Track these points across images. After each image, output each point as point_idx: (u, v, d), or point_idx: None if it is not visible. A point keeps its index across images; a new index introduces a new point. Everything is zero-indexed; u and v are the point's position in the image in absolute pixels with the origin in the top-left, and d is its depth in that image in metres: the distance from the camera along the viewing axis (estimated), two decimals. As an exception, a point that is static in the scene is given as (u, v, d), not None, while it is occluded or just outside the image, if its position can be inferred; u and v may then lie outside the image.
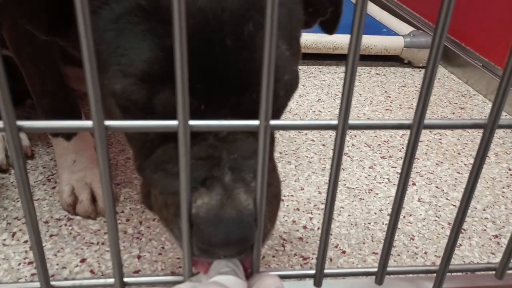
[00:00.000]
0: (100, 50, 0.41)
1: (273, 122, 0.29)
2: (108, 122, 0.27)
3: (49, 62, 0.68)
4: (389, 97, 1.27)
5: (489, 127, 0.32)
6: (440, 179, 0.92)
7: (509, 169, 0.98)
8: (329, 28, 0.59)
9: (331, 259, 0.70)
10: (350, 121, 0.30)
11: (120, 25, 0.39)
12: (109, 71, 0.40)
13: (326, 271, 0.36)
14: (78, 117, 0.75)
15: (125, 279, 0.32)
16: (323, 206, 0.81)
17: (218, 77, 0.39)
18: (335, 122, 0.30)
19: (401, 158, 0.98)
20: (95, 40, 0.41)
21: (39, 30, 0.46)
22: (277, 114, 0.47)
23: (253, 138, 0.42)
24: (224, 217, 0.36)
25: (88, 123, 0.27)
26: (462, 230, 0.77)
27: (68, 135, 0.74)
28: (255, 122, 0.29)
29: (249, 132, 0.42)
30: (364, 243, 0.73)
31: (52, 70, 0.69)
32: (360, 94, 1.26)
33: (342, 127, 0.30)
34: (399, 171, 0.92)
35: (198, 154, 0.40)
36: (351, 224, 0.77)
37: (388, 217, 0.79)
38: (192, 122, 0.28)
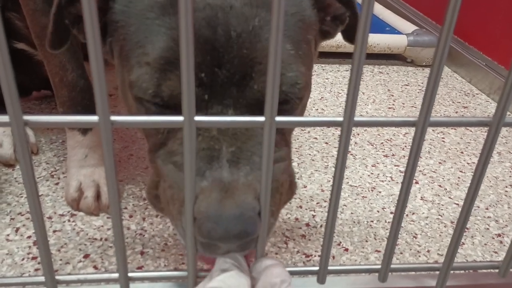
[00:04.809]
0: (124, 46, 0.45)
1: (278, 118, 0.29)
2: (113, 117, 0.27)
3: (70, 54, 0.69)
4: (392, 95, 1.27)
5: (495, 125, 0.31)
6: (443, 178, 0.92)
7: (512, 168, 0.98)
8: (352, 35, 0.57)
9: (333, 257, 0.70)
10: (355, 118, 0.30)
11: (140, 21, 0.43)
12: (129, 64, 0.44)
13: (329, 268, 0.36)
14: (95, 111, 0.75)
15: (129, 274, 0.32)
16: (325, 204, 0.81)
17: (222, 67, 0.41)
18: (341, 118, 0.30)
19: (404, 156, 0.98)
20: (121, 36, 0.45)
21: (82, 35, 0.50)
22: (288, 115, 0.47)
23: (258, 129, 0.42)
24: (224, 211, 0.37)
25: (94, 118, 0.27)
26: (465, 229, 0.77)
27: (84, 129, 0.74)
28: (261, 118, 0.29)
29: (255, 128, 0.43)
30: (366, 241, 0.73)
31: (73, 62, 0.70)
32: (363, 93, 1.26)
33: (347, 124, 0.30)
34: (402, 169, 0.92)
35: (199, 145, 0.41)
36: (354, 222, 0.77)
37: (390, 215, 0.79)
38: (197, 118, 0.28)
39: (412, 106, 1.21)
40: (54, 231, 0.69)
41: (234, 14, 0.41)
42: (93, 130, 0.75)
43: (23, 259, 0.64)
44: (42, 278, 0.32)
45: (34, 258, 0.65)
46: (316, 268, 0.36)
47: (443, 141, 1.06)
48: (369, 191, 0.86)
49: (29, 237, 0.68)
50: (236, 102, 0.42)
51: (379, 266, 0.37)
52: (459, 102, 1.27)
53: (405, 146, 1.02)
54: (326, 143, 1.00)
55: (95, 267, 0.64)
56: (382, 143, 1.03)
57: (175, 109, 0.42)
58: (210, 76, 0.41)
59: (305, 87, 0.45)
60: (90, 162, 0.75)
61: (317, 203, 0.81)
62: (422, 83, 1.36)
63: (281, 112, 0.41)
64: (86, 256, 0.66)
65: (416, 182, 0.90)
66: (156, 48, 0.41)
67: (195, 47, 0.40)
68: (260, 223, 0.36)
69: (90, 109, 0.73)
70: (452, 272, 0.38)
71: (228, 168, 0.39)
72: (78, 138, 0.75)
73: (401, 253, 0.72)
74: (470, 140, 1.07)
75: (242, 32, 0.41)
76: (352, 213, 0.79)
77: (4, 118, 0.26)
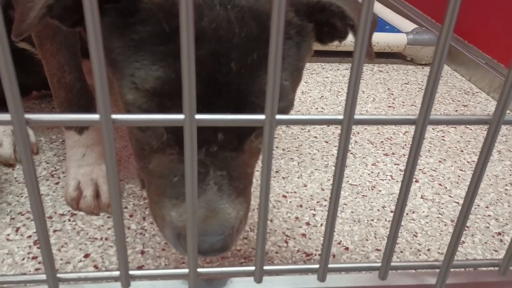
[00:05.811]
0: (119, 60, 0.43)
1: (279, 116, 0.29)
2: (115, 116, 0.27)
3: (69, 56, 0.70)
4: (392, 94, 1.27)
5: (495, 123, 0.32)
6: (443, 176, 0.92)
7: (512, 167, 0.98)
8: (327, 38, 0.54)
9: (334, 256, 0.70)
10: (356, 116, 0.30)
11: (142, 44, 0.42)
12: (123, 79, 0.43)
13: (329, 265, 0.36)
14: (93, 111, 0.76)
15: (130, 272, 0.32)
16: (326, 203, 0.81)
17: (221, 97, 0.42)
18: (341, 117, 0.30)
19: (404, 155, 0.98)
20: (115, 49, 0.44)
21: (64, 24, 0.47)
22: (259, 137, 0.49)
23: (242, 159, 0.46)
24: (208, 230, 0.42)
25: (95, 117, 0.27)
26: (465, 227, 0.77)
27: (80, 128, 0.75)
28: (261, 117, 0.29)
29: (238, 152, 0.46)
30: (367, 240, 0.73)
31: (71, 64, 0.71)
32: (362, 91, 1.26)
33: (347, 122, 0.30)
34: (402, 168, 0.92)
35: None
36: (354, 220, 0.77)
37: (391, 214, 0.79)
38: (198, 116, 0.28)
39: (412, 105, 1.21)
40: (55, 231, 0.70)
41: (234, 44, 0.41)
42: (90, 129, 0.75)
43: (23, 259, 0.64)
44: (43, 276, 0.32)
45: (34, 257, 0.65)
46: (317, 266, 0.37)
47: (443, 139, 1.06)
48: (369, 190, 0.86)
49: (29, 236, 0.68)
50: (226, 131, 0.44)
51: (379, 264, 0.37)
52: (459, 101, 1.27)
53: (405, 145, 1.02)
54: (326, 142, 1.00)
55: (95, 267, 0.64)
56: (382, 141, 1.03)
57: (175, 129, 0.45)
58: (207, 106, 0.42)
59: (288, 112, 0.48)
60: (88, 161, 0.75)
61: (317, 202, 0.81)
62: (422, 81, 1.36)
63: (257, 137, 0.47)
64: (87, 255, 0.66)
65: (416, 181, 0.90)
66: (155, 76, 0.41)
67: (197, 81, 0.41)
68: (235, 238, 0.44)
69: (86, 111, 0.73)
70: (452, 270, 0.38)
71: (215, 191, 0.44)
72: (75, 137, 0.75)
73: (401, 251, 0.72)
74: (470, 138, 1.07)
75: (242, 66, 0.42)
76: (352, 212, 0.80)
77: (6, 117, 0.26)
